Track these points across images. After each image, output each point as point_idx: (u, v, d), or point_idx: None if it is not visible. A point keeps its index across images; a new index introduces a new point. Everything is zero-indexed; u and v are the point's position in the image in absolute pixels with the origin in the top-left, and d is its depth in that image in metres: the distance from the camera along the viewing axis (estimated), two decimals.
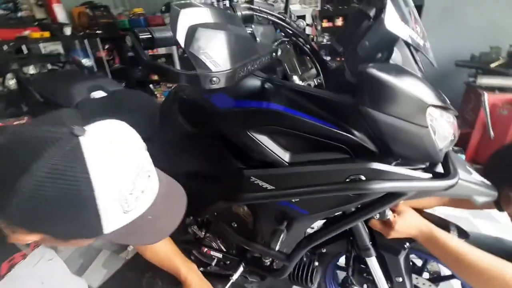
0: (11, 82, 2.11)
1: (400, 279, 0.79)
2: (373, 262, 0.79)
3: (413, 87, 0.52)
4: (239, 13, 0.55)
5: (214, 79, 0.39)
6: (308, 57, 0.72)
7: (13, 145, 0.34)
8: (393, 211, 0.69)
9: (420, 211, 0.77)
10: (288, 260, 0.76)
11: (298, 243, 0.75)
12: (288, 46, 0.67)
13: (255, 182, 0.64)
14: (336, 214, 0.70)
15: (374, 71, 0.50)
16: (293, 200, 0.66)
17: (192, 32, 0.38)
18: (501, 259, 0.59)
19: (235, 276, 0.83)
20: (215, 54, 0.39)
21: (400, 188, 0.55)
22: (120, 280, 1.39)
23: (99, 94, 1.12)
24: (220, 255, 0.94)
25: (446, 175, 0.58)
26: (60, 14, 3.03)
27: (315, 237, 0.71)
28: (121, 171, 0.37)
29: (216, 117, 0.64)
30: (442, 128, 0.57)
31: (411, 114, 0.52)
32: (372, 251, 0.77)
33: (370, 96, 0.52)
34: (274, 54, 0.55)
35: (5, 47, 2.30)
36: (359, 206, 0.64)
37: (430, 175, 0.59)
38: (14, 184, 0.32)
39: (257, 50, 0.48)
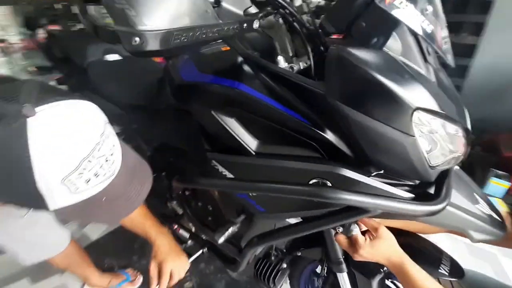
0: (41, 37, 2.20)
1: None
2: (344, 279, 0.71)
3: (398, 83, 0.42)
4: None
5: (136, 39, 0.34)
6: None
7: None
8: (368, 231, 0.59)
9: (412, 233, 0.66)
10: (240, 255, 0.72)
11: (249, 240, 0.69)
12: (281, 21, 0.58)
13: (215, 167, 0.60)
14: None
15: (346, 55, 0.41)
16: (251, 194, 0.60)
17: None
18: None
19: (190, 259, 0.80)
20: (142, 8, 0.33)
21: (364, 204, 0.46)
22: (120, 235, 1.46)
23: (113, 57, 1.13)
24: (187, 235, 0.92)
25: (431, 198, 0.47)
26: None
27: (267, 238, 0.65)
28: (67, 157, 0.35)
29: (182, 90, 0.60)
30: (440, 141, 0.47)
31: (392, 116, 0.42)
32: (344, 266, 0.69)
33: (340, 86, 0.43)
34: (246, 26, 0.47)
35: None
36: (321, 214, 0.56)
37: (411, 195, 0.48)
38: None
39: (215, 17, 0.41)
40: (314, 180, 0.50)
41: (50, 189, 0.35)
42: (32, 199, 0.35)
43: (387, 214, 0.53)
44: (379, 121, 0.43)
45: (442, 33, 0.49)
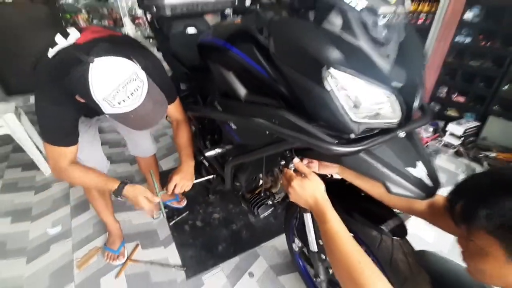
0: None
1: (321, 242, 0.84)
2: (308, 218, 0.86)
3: (316, 46, 0.55)
4: None
5: (154, 8, 0.60)
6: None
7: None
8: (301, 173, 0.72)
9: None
10: (223, 171, 0.97)
11: (228, 159, 0.93)
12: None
13: (216, 106, 0.84)
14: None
15: (282, 24, 0.57)
16: (234, 128, 0.82)
17: None
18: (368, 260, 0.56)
19: (197, 180, 1.08)
20: None
21: (289, 137, 0.63)
22: None
23: (191, 30, 1.47)
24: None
25: (346, 143, 0.60)
26: None
27: (237, 157, 0.87)
28: (104, 87, 0.63)
29: (200, 48, 0.85)
30: (359, 97, 0.58)
31: (312, 73, 0.57)
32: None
33: (279, 49, 0.60)
34: (237, 3, 0.68)
35: None
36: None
37: (334, 140, 0.62)
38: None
39: None
40: (273, 121, 0.69)
41: (100, 102, 0.65)
42: (97, 106, 0.67)
43: (318, 154, 0.68)
44: (305, 77, 0.58)
45: (387, 8, 0.58)
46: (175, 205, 1.67)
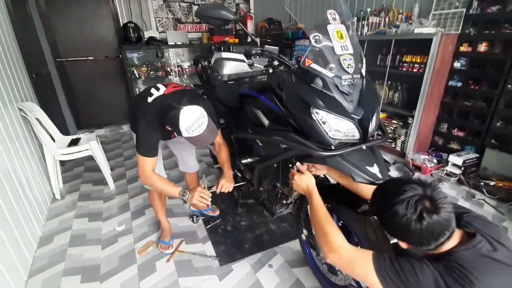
0: (199, 68, 3.54)
1: None
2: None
3: (307, 97, 1.02)
4: (253, 51, 1.22)
5: (219, 76, 1.10)
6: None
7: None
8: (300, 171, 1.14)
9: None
10: (253, 175, 1.40)
11: (256, 166, 1.37)
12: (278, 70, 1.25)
13: (249, 131, 1.32)
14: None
15: (288, 86, 1.06)
16: (260, 144, 1.28)
17: (217, 61, 1.11)
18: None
19: (235, 184, 1.53)
20: (222, 68, 1.10)
21: (294, 147, 1.07)
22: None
23: (230, 81, 2.02)
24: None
25: (326, 150, 1.02)
26: (250, 27, 4.44)
27: (263, 163, 1.32)
28: (188, 123, 1.13)
29: (241, 97, 1.35)
30: (333, 126, 1.02)
31: (305, 111, 1.02)
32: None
33: (286, 96, 1.07)
34: (264, 71, 1.18)
35: (213, 47, 3.86)
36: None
37: (320, 149, 1.04)
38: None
39: (250, 68, 1.14)
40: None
41: (182, 130, 1.14)
42: (179, 132, 1.16)
43: (312, 159, 1.10)
44: (302, 113, 1.03)
45: (346, 76, 1.03)
46: (210, 214, 2.08)
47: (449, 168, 2.55)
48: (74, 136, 2.57)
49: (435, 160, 2.70)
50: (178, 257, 1.70)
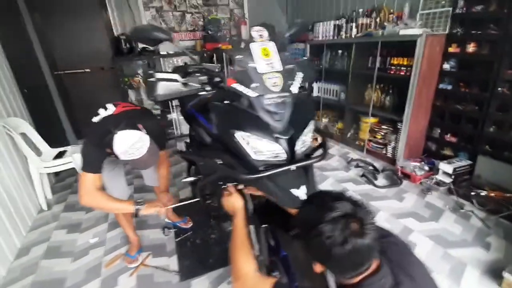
0: None
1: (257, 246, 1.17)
2: (251, 229, 1.22)
3: (228, 118, 0.98)
4: (190, 70, 1.20)
5: (152, 98, 1.10)
6: None
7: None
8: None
9: None
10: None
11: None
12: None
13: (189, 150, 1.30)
14: None
15: (212, 106, 1.03)
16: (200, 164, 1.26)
17: (149, 83, 1.10)
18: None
19: None
20: (155, 89, 1.09)
21: (215, 167, 1.04)
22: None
23: None
24: None
25: (249, 173, 0.98)
26: (244, 32, 4.42)
27: (201, 181, 1.30)
28: (121, 148, 1.13)
29: (188, 116, 1.35)
30: (255, 146, 0.98)
31: (228, 132, 0.99)
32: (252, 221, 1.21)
33: (214, 117, 1.05)
34: (201, 89, 1.16)
35: (205, 54, 3.89)
36: None
37: (245, 171, 1.01)
38: None
39: (183, 88, 1.13)
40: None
41: (118, 154, 1.14)
42: (116, 155, 1.17)
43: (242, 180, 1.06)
44: (227, 134, 1.00)
45: (271, 95, 0.99)
46: (182, 226, 2.08)
47: (440, 176, 2.40)
48: (62, 149, 2.66)
49: (426, 167, 2.55)
50: (142, 271, 1.71)
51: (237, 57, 1.01)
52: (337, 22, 3.24)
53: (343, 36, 3.16)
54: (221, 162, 1.09)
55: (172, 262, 1.77)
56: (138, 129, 1.20)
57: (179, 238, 1.97)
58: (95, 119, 1.35)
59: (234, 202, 1.06)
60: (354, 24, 3.08)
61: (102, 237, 2.05)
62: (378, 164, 2.85)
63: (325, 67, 3.44)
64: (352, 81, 3.08)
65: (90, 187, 1.34)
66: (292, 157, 1.01)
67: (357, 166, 2.83)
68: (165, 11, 4.08)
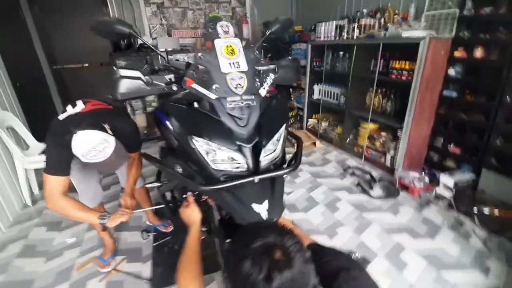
0: None
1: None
2: (216, 241, 1.12)
3: (187, 122, 0.89)
4: (156, 67, 1.11)
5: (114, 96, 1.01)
6: None
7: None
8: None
9: None
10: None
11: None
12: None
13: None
14: None
15: (171, 105, 0.93)
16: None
17: (112, 79, 1.02)
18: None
19: None
20: (117, 87, 1.00)
21: (171, 177, 0.94)
22: None
23: None
24: None
25: (205, 185, 0.88)
26: (246, 32, 4.32)
27: (162, 188, 1.20)
28: (81, 149, 1.03)
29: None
30: (215, 155, 0.89)
31: (185, 137, 0.90)
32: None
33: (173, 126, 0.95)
34: (166, 89, 1.07)
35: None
36: None
37: (203, 182, 0.91)
38: None
39: (147, 87, 1.04)
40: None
41: (79, 156, 1.04)
42: (77, 159, 1.08)
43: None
44: (183, 139, 0.90)
45: (234, 98, 0.89)
46: (163, 230, 2.00)
47: (440, 190, 2.24)
48: None
49: (426, 179, 2.39)
50: (114, 277, 1.63)
51: (198, 54, 0.91)
52: (340, 22, 3.10)
53: (345, 37, 3.01)
54: (180, 170, 0.99)
55: (146, 269, 1.68)
56: (103, 129, 1.11)
57: (156, 243, 1.89)
58: (61, 117, 1.27)
59: (190, 214, 0.97)
60: (356, 25, 2.93)
61: (81, 237, 1.98)
62: (376, 173, 2.70)
63: (326, 68, 3.31)
64: (353, 84, 2.94)
65: (53, 192, 1.24)
66: (257, 168, 0.90)
67: (353, 174, 2.69)
68: (166, 7, 4.02)
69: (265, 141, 0.91)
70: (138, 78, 1.07)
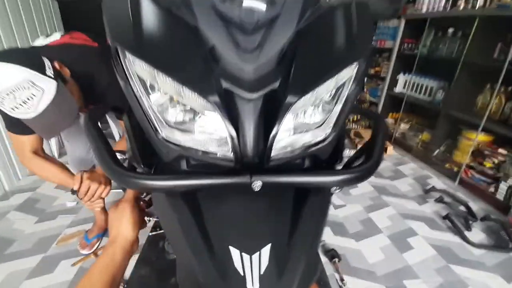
0: None
1: None
2: None
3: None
4: None
5: None
6: None
7: None
8: None
9: None
10: None
11: None
12: None
13: None
14: None
15: None
16: None
17: None
18: None
19: None
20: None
21: None
22: None
23: None
24: None
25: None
26: None
27: None
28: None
29: None
30: (169, 107, 0.37)
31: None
32: None
33: None
34: None
35: None
36: None
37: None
38: None
39: None
40: None
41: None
42: None
43: None
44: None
45: None
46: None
47: None
48: None
49: None
50: (89, 263, 1.29)
51: None
52: None
53: (461, 7, 2.12)
54: None
55: (130, 263, 1.30)
56: (40, 68, 0.68)
57: (154, 233, 1.49)
58: (19, 49, 0.91)
59: (118, 221, 0.56)
60: None
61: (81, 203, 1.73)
62: (476, 207, 1.83)
63: (422, 52, 2.44)
64: (461, 75, 2.06)
65: (25, 151, 0.93)
66: (262, 157, 0.35)
67: (440, 200, 1.87)
68: None
69: (294, 95, 0.34)
70: None
